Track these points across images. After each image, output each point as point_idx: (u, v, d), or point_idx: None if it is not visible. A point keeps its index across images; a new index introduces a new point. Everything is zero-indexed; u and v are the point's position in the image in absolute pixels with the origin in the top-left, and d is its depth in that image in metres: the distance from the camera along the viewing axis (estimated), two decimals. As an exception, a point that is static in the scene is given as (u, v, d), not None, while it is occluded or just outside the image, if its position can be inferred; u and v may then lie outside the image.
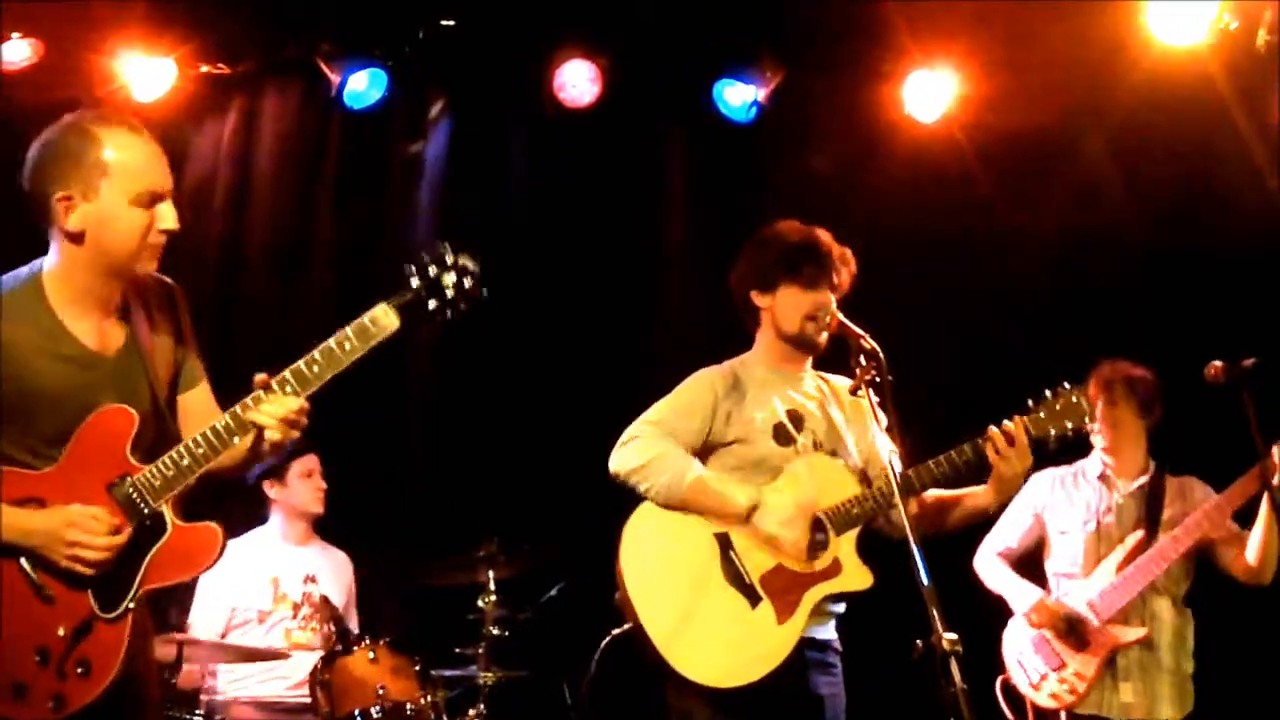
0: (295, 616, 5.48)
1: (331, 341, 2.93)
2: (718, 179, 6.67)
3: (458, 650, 5.42)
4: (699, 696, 3.54)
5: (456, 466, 6.33)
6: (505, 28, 6.50)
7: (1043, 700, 4.76)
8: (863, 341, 3.49)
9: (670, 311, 6.61)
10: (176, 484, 2.91)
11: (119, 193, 2.89)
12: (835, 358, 3.78)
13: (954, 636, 2.91)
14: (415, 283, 2.96)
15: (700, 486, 3.66)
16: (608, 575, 3.74)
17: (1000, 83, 6.33)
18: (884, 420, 3.42)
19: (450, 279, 2.96)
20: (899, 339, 3.61)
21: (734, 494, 3.66)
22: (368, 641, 5.00)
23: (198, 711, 5.07)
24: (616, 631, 3.83)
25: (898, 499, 3.21)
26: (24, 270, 3.00)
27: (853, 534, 3.70)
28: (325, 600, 5.45)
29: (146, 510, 2.91)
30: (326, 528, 5.79)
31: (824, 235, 3.89)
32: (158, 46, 6.22)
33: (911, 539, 3.06)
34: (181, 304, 3.18)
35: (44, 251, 3.02)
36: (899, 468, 3.41)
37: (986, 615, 5.00)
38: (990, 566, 5.04)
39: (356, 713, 4.78)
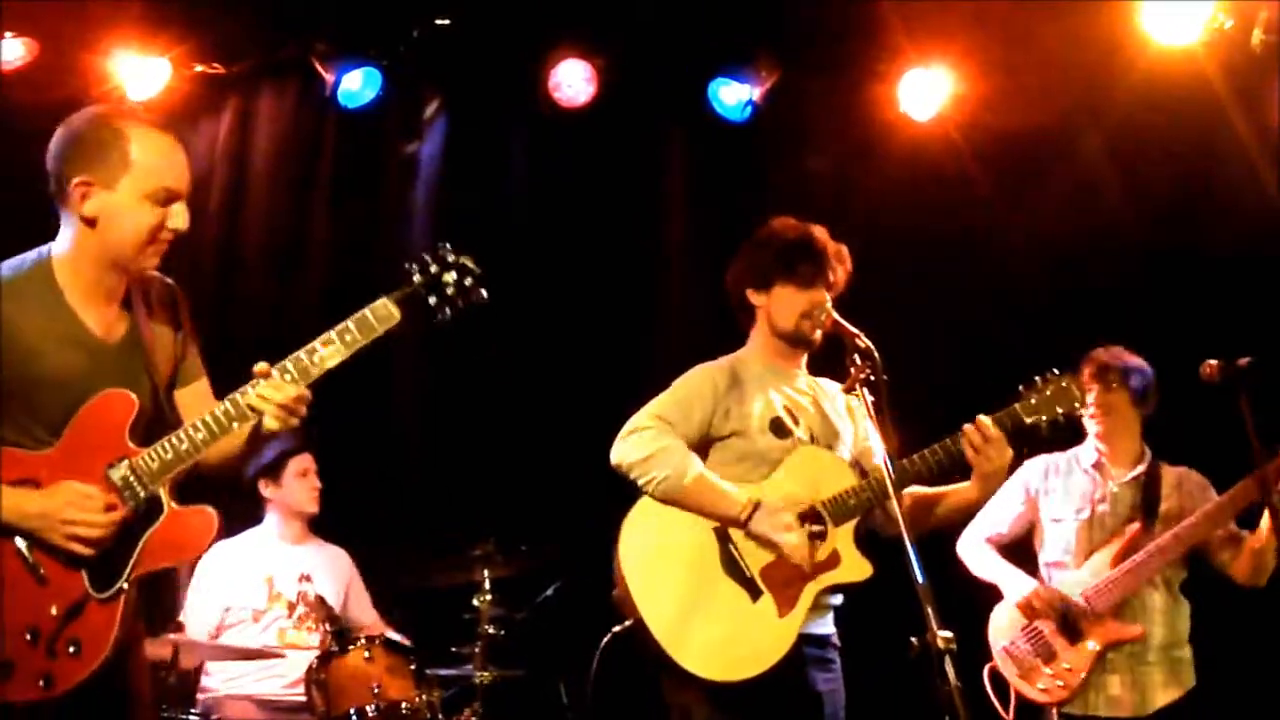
0: (290, 616, 5.47)
1: (333, 332, 2.99)
2: (714, 178, 6.67)
3: (454, 649, 5.42)
4: (698, 693, 3.55)
5: (453, 466, 6.33)
6: (500, 27, 6.50)
7: (1033, 693, 4.69)
8: (858, 340, 3.49)
9: (667, 310, 6.61)
10: (173, 468, 2.95)
11: (137, 188, 2.94)
12: (830, 356, 3.78)
13: (949, 634, 2.92)
14: (417, 279, 3.04)
15: (700, 485, 3.67)
16: (604, 575, 3.74)
17: (996, 82, 6.34)
18: (878, 418, 3.42)
19: (451, 277, 3.04)
20: (895, 338, 3.62)
21: (733, 496, 3.67)
22: (363, 640, 5.00)
23: (193, 710, 5.07)
24: (617, 629, 3.83)
25: (892, 496, 3.21)
26: (30, 254, 3.04)
27: (850, 525, 3.72)
28: (320, 599, 5.44)
29: (143, 493, 2.94)
30: (322, 527, 5.78)
31: (820, 233, 3.91)
32: (153, 46, 6.22)
33: (906, 536, 3.06)
34: (182, 303, 3.23)
35: (39, 243, 3.05)
36: (893, 466, 3.41)
37: (977, 605, 4.95)
38: (979, 552, 4.95)
39: (352, 712, 4.78)
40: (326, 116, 6.63)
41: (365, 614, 5.73)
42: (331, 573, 5.67)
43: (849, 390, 3.48)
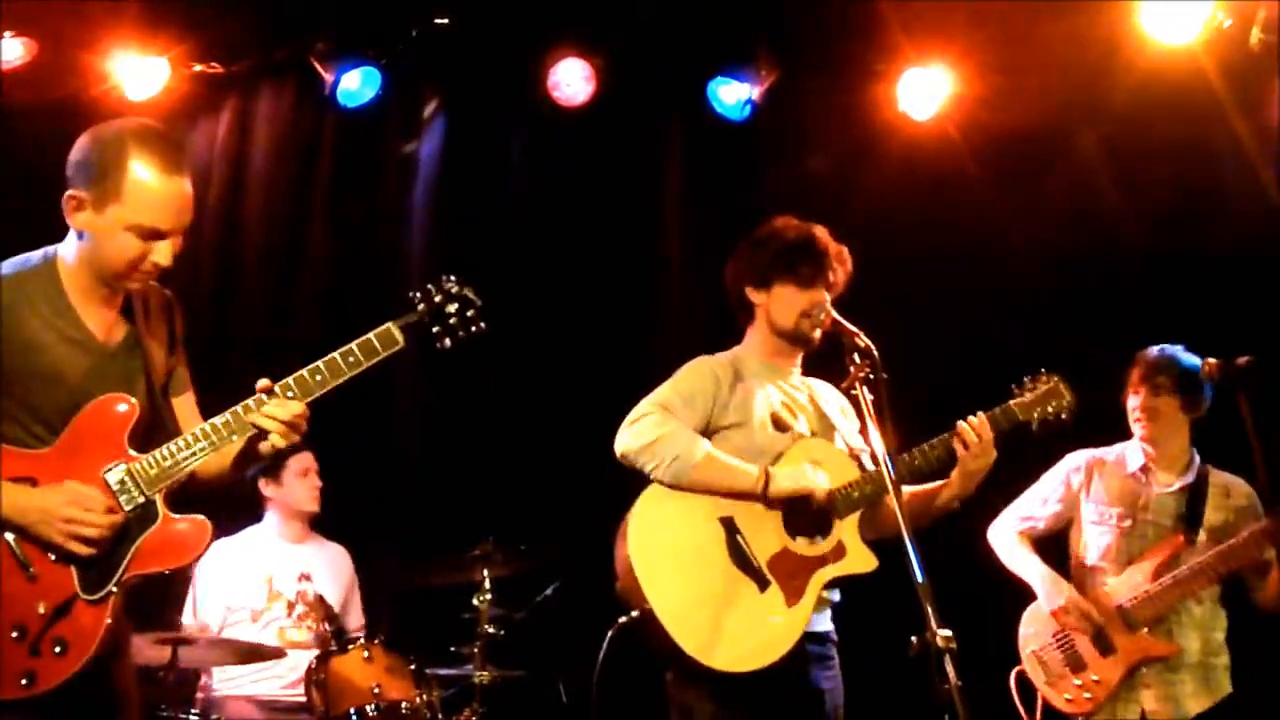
0: (289, 615, 5.47)
1: (337, 354, 3.08)
2: (713, 177, 6.67)
3: (453, 649, 5.42)
4: (702, 689, 3.55)
5: (452, 466, 6.33)
6: (499, 26, 6.50)
7: (1059, 702, 4.61)
8: (857, 339, 3.50)
9: (666, 309, 6.61)
10: (171, 475, 2.98)
11: (121, 219, 2.95)
12: (830, 355, 3.78)
13: (948, 633, 2.92)
14: (421, 307, 3.18)
15: (710, 463, 3.67)
16: (604, 574, 3.74)
17: (995, 81, 6.34)
18: (878, 418, 3.41)
19: (454, 308, 3.20)
20: (895, 338, 3.62)
21: (744, 469, 3.67)
22: (363, 641, 5.00)
23: (193, 710, 5.06)
24: (623, 620, 3.83)
25: (892, 495, 3.21)
26: (38, 253, 3.08)
27: (855, 517, 3.74)
28: (320, 599, 5.44)
29: (139, 498, 2.95)
30: (322, 527, 5.78)
31: (821, 233, 3.91)
32: (152, 46, 6.22)
33: (906, 534, 3.06)
34: (177, 314, 3.26)
35: (40, 242, 3.09)
36: (892, 465, 3.41)
37: (984, 593, 4.92)
38: (1013, 546, 4.83)
39: (352, 712, 4.78)
40: (325, 116, 6.63)
41: (356, 619, 5.73)
42: (332, 572, 5.67)
43: (848, 389, 3.49)
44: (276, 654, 5.28)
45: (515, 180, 6.75)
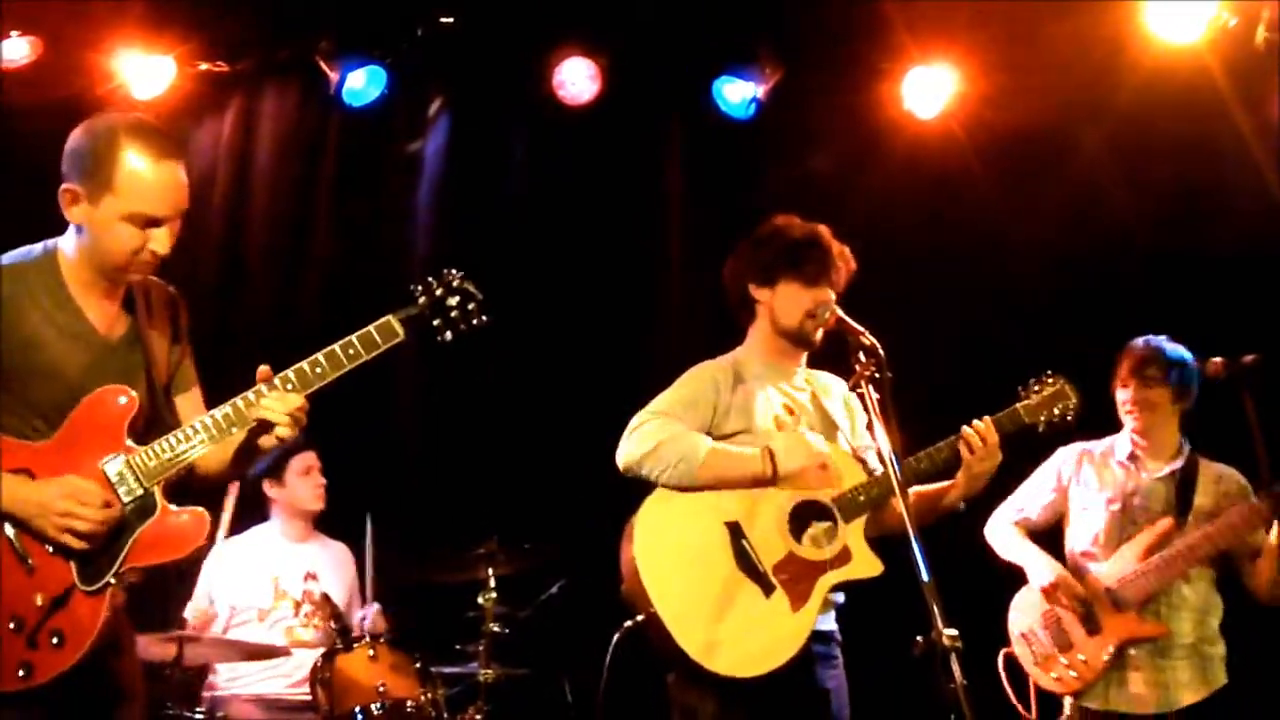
0: (296, 614, 5.48)
1: (337, 346, 3.07)
2: (717, 176, 6.68)
3: (458, 648, 5.42)
4: (705, 690, 3.55)
5: (457, 464, 6.33)
6: (504, 25, 6.50)
7: (1045, 682, 4.63)
8: (862, 338, 3.50)
9: (669, 309, 6.61)
10: (170, 467, 2.98)
11: (116, 209, 2.95)
12: (834, 354, 3.78)
13: (954, 632, 2.92)
14: (422, 300, 3.17)
15: (715, 457, 3.67)
16: (608, 573, 3.74)
17: (999, 80, 6.34)
18: (883, 417, 3.41)
19: (455, 301, 3.19)
20: (898, 337, 3.61)
21: (748, 454, 3.68)
22: (368, 639, 5.01)
23: (198, 709, 5.07)
24: (628, 623, 3.84)
25: (898, 494, 3.21)
26: (39, 246, 3.08)
27: (860, 521, 3.73)
28: (326, 598, 5.45)
29: (138, 490, 2.95)
30: (325, 526, 5.78)
31: (826, 232, 3.90)
32: (157, 45, 6.23)
33: (912, 534, 3.06)
34: (182, 310, 3.26)
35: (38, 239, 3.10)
36: (898, 465, 3.41)
37: (989, 591, 4.91)
38: (1006, 535, 4.87)
39: (357, 710, 4.78)
40: (330, 115, 6.64)
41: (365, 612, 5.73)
42: (337, 570, 5.68)
43: (854, 388, 3.49)
44: (282, 653, 5.28)
45: (520, 179, 6.75)
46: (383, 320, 3.10)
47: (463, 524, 5.66)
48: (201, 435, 2.99)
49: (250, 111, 6.66)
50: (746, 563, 3.64)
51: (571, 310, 6.47)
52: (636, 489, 3.73)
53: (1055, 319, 6.06)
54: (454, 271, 3.22)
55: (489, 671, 5.27)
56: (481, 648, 5.32)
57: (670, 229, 6.75)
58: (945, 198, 6.38)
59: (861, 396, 3.45)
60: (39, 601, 2.86)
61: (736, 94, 6.59)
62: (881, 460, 3.59)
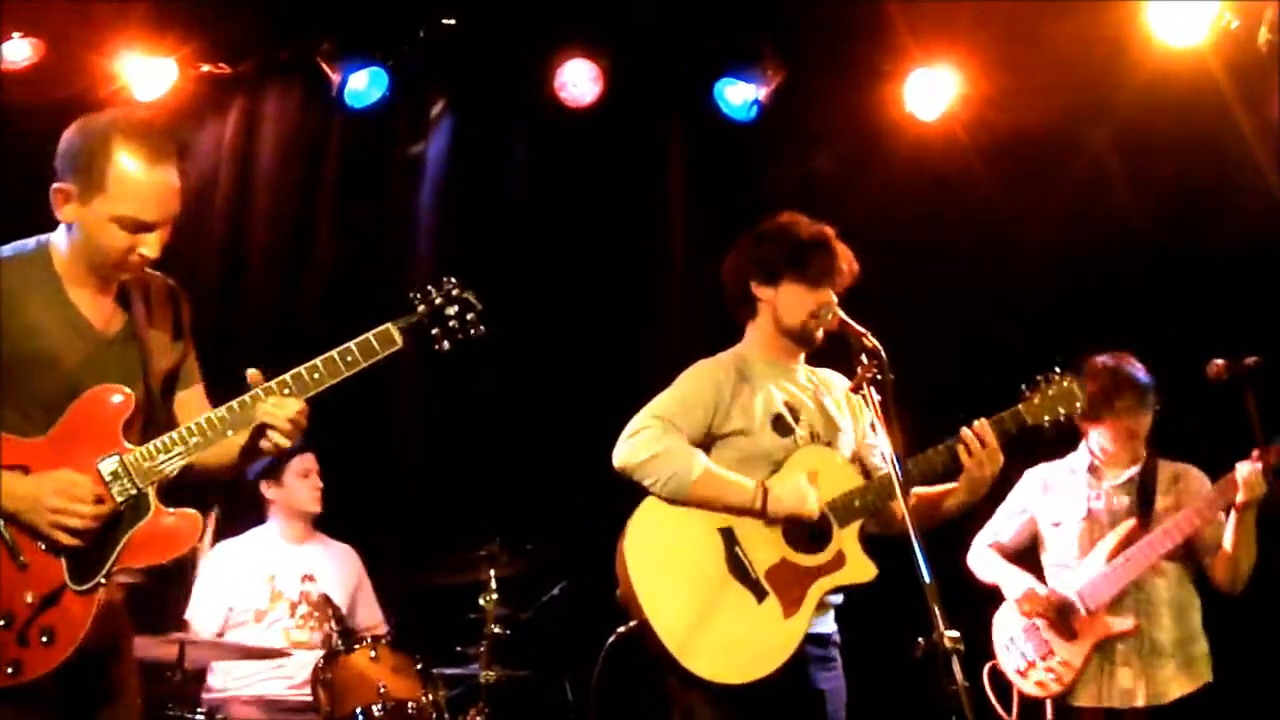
0: (293, 615, 5.47)
1: (335, 352, 3.07)
2: (718, 178, 6.67)
3: (459, 649, 5.42)
4: (702, 693, 3.54)
5: (458, 465, 6.33)
6: (506, 27, 6.50)
7: (1028, 688, 4.75)
8: (865, 340, 3.48)
9: (670, 310, 6.61)
10: (165, 468, 2.97)
11: (106, 211, 2.95)
12: (836, 355, 3.77)
13: (955, 634, 2.91)
14: (421, 309, 3.18)
15: (707, 480, 3.65)
16: (609, 574, 3.73)
17: (1002, 81, 6.33)
18: (885, 418, 3.41)
19: (454, 311, 3.19)
20: (899, 337, 3.61)
21: (742, 484, 3.66)
22: (369, 640, 5.00)
23: (199, 710, 5.06)
24: (622, 629, 3.83)
25: (899, 495, 3.20)
26: (32, 240, 3.08)
27: (855, 526, 3.72)
28: (325, 599, 5.44)
29: (132, 489, 2.95)
30: (327, 527, 5.78)
31: (832, 233, 3.89)
32: (159, 46, 6.23)
33: (914, 536, 3.05)
34: (184, 306, 3.25)
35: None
36: (900, 466, 3.40)
37: (981, 606, 5.00)
38: (982, 558, 5.04)
39: (358, 711, 4.78)
40: (332, 116, 6.64)
41: (372, 615, 5.73)
42: (337, 572, 5.67)
43: (856, 389, 3.48)
44: (281, 654, 5.28)
45: (522, 180, 6.75)
46: (382, 328, 3.10)
47: (464, 525, 5.66)
48: (197, 437, 2.99)
49: (252, 113, 6.66)
50: (739, 569, 3.63)
51: (573, 311, 6.47)
52: (637, 490, 3.73)
53: (1056, 319, 6.06)
54: (453, 280, 3.22)
55: (490, 673, 5.27)
56: (483, 649, 5.31)
57: (671, 231, 6.75)
58: (947, 199, 6.37)
59: (863, 399, 3.44)
60: (29, 599, 2.85)
61: (738, 95, 6.59)
62: (883, 461, 3.58)
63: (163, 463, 2.97)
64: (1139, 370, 4.81)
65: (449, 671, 5.32)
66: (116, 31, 6.14)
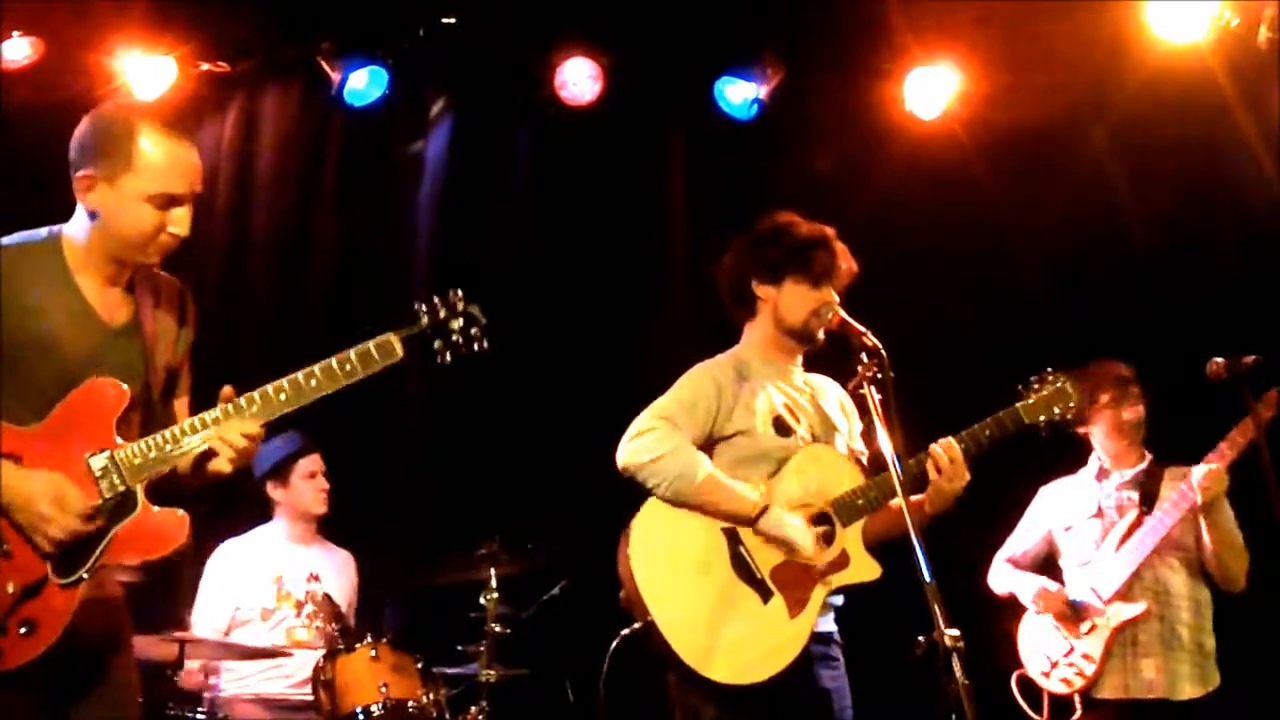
0: (299, 615, 5.48)
1: (333, 360, 3.05)
2: (719, 177, 6.67)
3: (460, 648, 5.42)
4: (707, 693, 3.54)
5: (459, 465, 6.33)
6: (507, 25, 6.50)
7: (1055, 687, 4.78)
8: (865, 339, 3.49)
9: (671, 309, 6.60)
10: (154, 467, 2.96)
11: (137, 188, 2.97)
12: (836, 355, 3.77)
13: (956, 633, 2.92)
14: (424, 321, 3.15)
15: (710, 485, 3.65)
16: (610, 574, 3.73)
17: (1002, 80, 6.34)
18: (885, 417, 3.41)
19: (458, 324, 3.17)
20: (899, 337, 3.61)
21: (744, 495, 3.66)
22: (370, 640, 5.00)
23: (200, 710, 5.07)
24: (626, 631, 3.83)
25: (900, 495, 3.21)
26: (42, 230, 3.08)
27: (859, 525, 3.72)
28: (328, 599, 5.44)
29: (120, 486, 2.94)
30: (329, 527, 5.79)
31: (832, 232, 3.89)
32: (158, 45, 6.23)
33: (914, 535, 3.06)
34: (190, 311, 3.25)
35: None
36: (900, 466, 3.40)
37: (992, 615, 5.04)
38: (1000, 573, 5.11)
39: (359, 711, 4.78)
40: (332, 115, 6.64)
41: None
42: (339, 575, 5.67)
43: (856, 389, 3.48)
44: (281, 653, 5.28)
45: (522, 179, 6.75)
46: (382, 338, 3.08)
47: (464, 524, 5.66)
48: (190, 436, 2.98)
49: (252, 112, 6.66)
50: (744, 569, 3.63)
51: (573, 311, 6.46)
52: (638, 489, 3.73)
53: (1056, 319, 6.06)
54: (459, 293, 3.19)
55: (491, 672, 5.26)
56: (483, 648, 5.30)
57: (671, 229, 6.74)
58: (947, 198, 6.37)
59: (863, 398, 3.44)
60: (10, 589, 2.84)
61: (738, 94, 6.59)
62: (878, 464, 3.57)
63: (154, 460, 2.96)
64: (1115, 364, 4.92)
65: (450, 670, 5.32)
66: (116, 30, 6.15)
